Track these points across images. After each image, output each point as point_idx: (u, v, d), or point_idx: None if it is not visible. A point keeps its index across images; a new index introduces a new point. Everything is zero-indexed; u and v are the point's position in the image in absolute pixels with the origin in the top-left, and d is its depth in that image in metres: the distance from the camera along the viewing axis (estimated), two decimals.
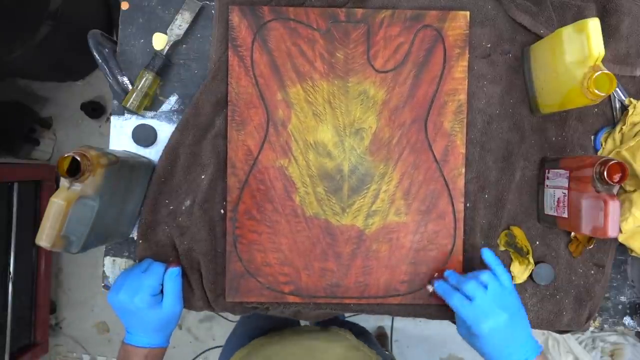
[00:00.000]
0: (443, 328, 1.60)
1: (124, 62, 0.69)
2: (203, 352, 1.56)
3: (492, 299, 0.57)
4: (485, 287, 0.58)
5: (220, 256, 0.67)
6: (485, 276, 0.59)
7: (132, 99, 0.65)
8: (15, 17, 1.20)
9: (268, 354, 0.70)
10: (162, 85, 0.69)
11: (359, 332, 0.86)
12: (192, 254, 0.67)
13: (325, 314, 0.69)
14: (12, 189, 1.37)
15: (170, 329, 0.64)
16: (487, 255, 0.62)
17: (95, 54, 0.66)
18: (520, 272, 0.68)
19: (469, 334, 0.60)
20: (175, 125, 0.68)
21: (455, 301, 0.59)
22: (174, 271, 0.63)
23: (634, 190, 0.65)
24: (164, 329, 0.63)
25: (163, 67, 0.67)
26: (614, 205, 0.56)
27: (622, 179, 0.57)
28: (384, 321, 1.62)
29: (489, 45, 0.69)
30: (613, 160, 0.56)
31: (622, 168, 0.56)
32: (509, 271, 0.67)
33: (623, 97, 0.69)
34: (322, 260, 0.67)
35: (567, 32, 0.58)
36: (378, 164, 0.67)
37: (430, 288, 0.66)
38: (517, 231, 0.68)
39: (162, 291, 0.63)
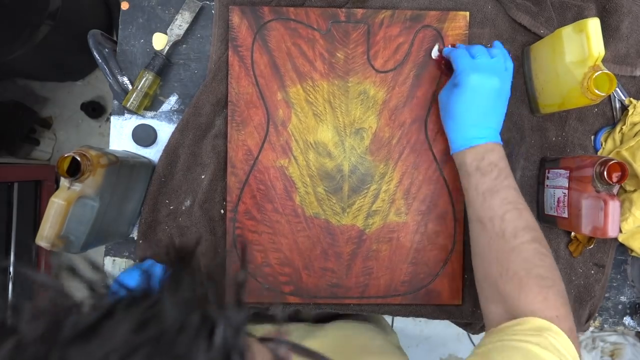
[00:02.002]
0: (443, 328, 1.60)
1: (124, 62, 0.69)
2: None
3: (494, 65, 0.57)
4: (492, 57, 0.58)
5: (220, 256, 0.67)
6: (496, 50, 0.59)
7: (132, 99, 0.65)
8: (15, 17, 1.20)
9: None
10: (162, 85, 0.69)
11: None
12: None
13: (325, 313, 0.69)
14: (12, 189, 1.37)
15: None
16: (498, 43, 0.61)
17: (95, 54, 0.66)
18: None
19: (451, 90, 0.58)
20: (175, 125, 0.68)
21: (457, 53, 0.58)
22: None
23: (634, 190, 0.65)
24: None
25: (163, 67, 0.67)
26: (614, 205, 0.56)
27: (622, 179, 0.57)
28: None
29: (489, 46, 0.68)
30: (613, 160, 0.56)
31: (622, 168, 0.56)
32: None
33: (623, 97, 0.69)
34: (323, 260, 0.67)
35: (567, 32, 0.58)
36: (378, 163, 0.67)
37: (435, 52, 0.65)
38: None
39: None
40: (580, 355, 0.46)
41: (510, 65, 0.59)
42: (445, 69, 0.65)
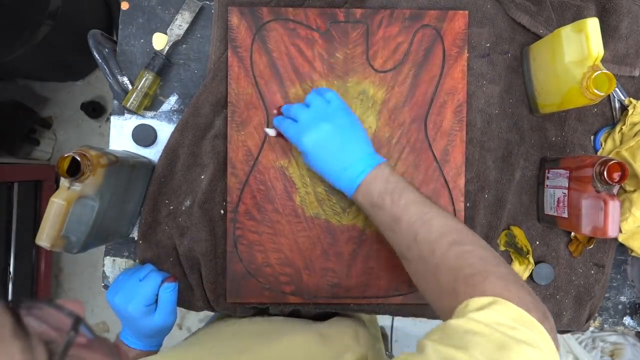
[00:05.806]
0: None
1: (124, 62, 0.69)
2: None
3: (314, 114, 0.56)
4: (308, 106, 0.57)
5: (220, 256, 0.67)
6: (308, 97, 0.58)
7: (132, 99, 0.65)
8: (15, 17, 1.20)
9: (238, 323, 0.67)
10: (162, 85, 0.69)
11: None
12: (192, 254, 0.67)
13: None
14: (12, 189, 1.37)
15: (161, 337, 0.65)
16: (312, 90, 0.60)
17: (95, 54, 0.66)
18: (521, 272, 0.68)
19: (304, 156, 0.58)
20: (175, 125, 0.68)
21: (284, 125, 0.58)
22: (169, 286, 0.63)
23: (634, 190, 0.65)
24: (156, 336, 0.64)
25: (163, 67, 0.67)
26: (614, 205, 0.56)
27: (622, 179, 0.57)
28: (384, 321, 1.62)
29: (488, 45, 0.69)
30: (613, 160, 0.56)
31: (622, 168, 0.56)
32: None
33: (622, 97, 0.69)
34: (323, 260, 0.67)
35: (566, 32, 0.58)
36: None
37: (271, 132, 0.63)
38: (517, 231, 0.68)
39: (157, 300, 0.63)
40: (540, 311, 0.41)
41: (331, 95, 0.58)
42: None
